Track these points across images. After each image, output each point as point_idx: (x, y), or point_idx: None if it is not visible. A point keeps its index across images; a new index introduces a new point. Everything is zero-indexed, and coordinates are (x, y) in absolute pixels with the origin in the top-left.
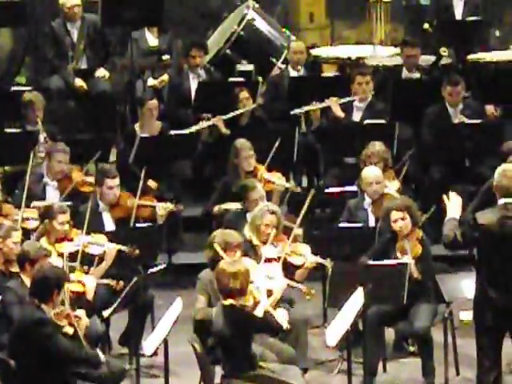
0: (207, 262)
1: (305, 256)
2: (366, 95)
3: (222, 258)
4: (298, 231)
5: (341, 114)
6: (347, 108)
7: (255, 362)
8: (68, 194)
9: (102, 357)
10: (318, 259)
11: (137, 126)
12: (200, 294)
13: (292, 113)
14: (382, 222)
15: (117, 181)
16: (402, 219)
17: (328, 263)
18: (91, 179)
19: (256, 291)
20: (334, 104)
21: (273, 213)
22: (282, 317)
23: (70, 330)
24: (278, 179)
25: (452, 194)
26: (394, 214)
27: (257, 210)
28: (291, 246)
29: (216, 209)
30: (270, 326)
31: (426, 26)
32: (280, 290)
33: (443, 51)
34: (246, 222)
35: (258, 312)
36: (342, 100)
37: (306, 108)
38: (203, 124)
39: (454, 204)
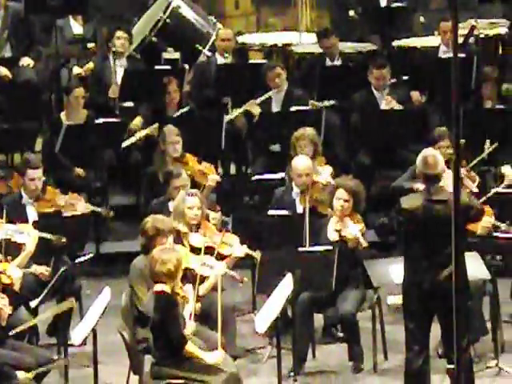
0: (141, 247)
1: (233, 247)
2: (281, 87)
3: (156, 244)
4: (214, 215)
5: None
6: (266, 101)
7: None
8: None
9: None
10: (247, 250)
11: (63, 115)
12: (140, 284)
13: (226, 119)
14: (329, 196)
15: (39, 172)
16: (345, 201)
17: (256, 255)
18: None
19: (185, 293)
20: (253, 106)
21: (193, 195)
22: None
23: None
24: (211, 173)
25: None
26: (341, 192)
27: (177, 199)
28: (219, 236)
29: None
30: (175, 336)
31: (352, 13)
32: (217, 275)
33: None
34: (168, 211)
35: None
36: (260, 99)
37: (229, 117)
38: (139, 135)
39: None
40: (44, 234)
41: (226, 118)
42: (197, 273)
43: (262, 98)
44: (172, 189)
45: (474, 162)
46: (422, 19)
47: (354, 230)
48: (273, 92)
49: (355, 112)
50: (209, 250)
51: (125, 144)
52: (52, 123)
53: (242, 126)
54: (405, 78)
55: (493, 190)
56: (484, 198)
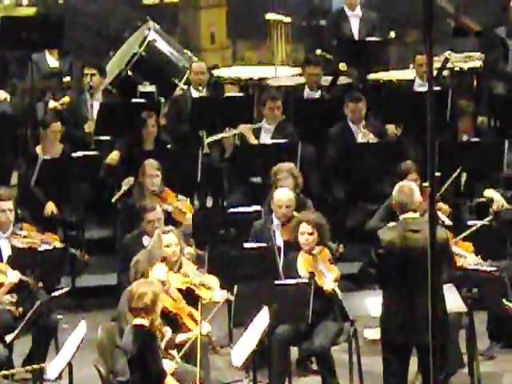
0: (134, 278)
1: (213, 290)
2: (276, 119)
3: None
4: (189, 250)
5: (254, 141)
6: (255, 130)
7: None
8: None
9: None
10: (226, 295)
11: (38, 149)
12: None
13: (207, 141)
14: (293, 231)
15: (9, 203)
16: (310, 234)
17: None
18: None
19: (164, 331)
20: (247, 131)
21: (168, 232)
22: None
23: None
24: (189, 211)
25: None
26: (303, 226)
27: (153, 239)
28: (200, 277)
29: None
30: (154, 370)
31: (319, 51)
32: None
33: (342, 67)
34: (141, 245)
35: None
36: (255, 125)
37: (220, 135)
38: (126, 186)
39: None
40: (24, 278)
41: (216, 136)
42: (184, 322)
43: (257, 125)
44: (146, 223)
45: (441, 191)
46: (392, 34)
47: (330, 282)
48: (267, 122)
49: (331, 145)
50: (188, 291)
51: (114, 198)
52: (28, 157)
53: (228, 146)
54: (380, 111)
55: (474, 225)
56: (464, 234)
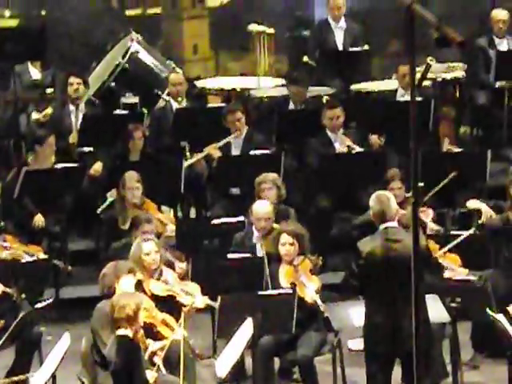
0: (102, 292)
1: (194, 296)
2: (240, 131)
3: (114, 289)
4: (181, 265)
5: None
6: (226, 145)
7: None
8: None
9: None
10: (208, 301)
11: (30, 160)
12: (105, 329)
13: (186, 164)
14: (273, 243)
15: None
16: (291, 244)
17: (217, 305)
18: None
19: (146, 344)
20: (214, 151)
21: (148, 240)
22: None
23: None
24: (170, 223)
25: None
26: (284, 237)
27: (132, 248)
28: (181, 284)
29: None
30: (138, 380)
31: (306, 59)
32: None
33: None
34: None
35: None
36: (220, 143)
37: (190, 161)
38: (111, 198)
39: None
40: (7, 289)
41: (186, 163)
42: (158, 330)
43: (223, 142)
44: (140, 233)
45: (426, 197)
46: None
47: (312, 293)
48: (233, 136)
49: (312, 155)
50: (169, 298)
51: (100, 209)
52: (18, 167)
53: (201, 169)
54: (363, 121)
55: (459, 235)
56: (449, 246)
